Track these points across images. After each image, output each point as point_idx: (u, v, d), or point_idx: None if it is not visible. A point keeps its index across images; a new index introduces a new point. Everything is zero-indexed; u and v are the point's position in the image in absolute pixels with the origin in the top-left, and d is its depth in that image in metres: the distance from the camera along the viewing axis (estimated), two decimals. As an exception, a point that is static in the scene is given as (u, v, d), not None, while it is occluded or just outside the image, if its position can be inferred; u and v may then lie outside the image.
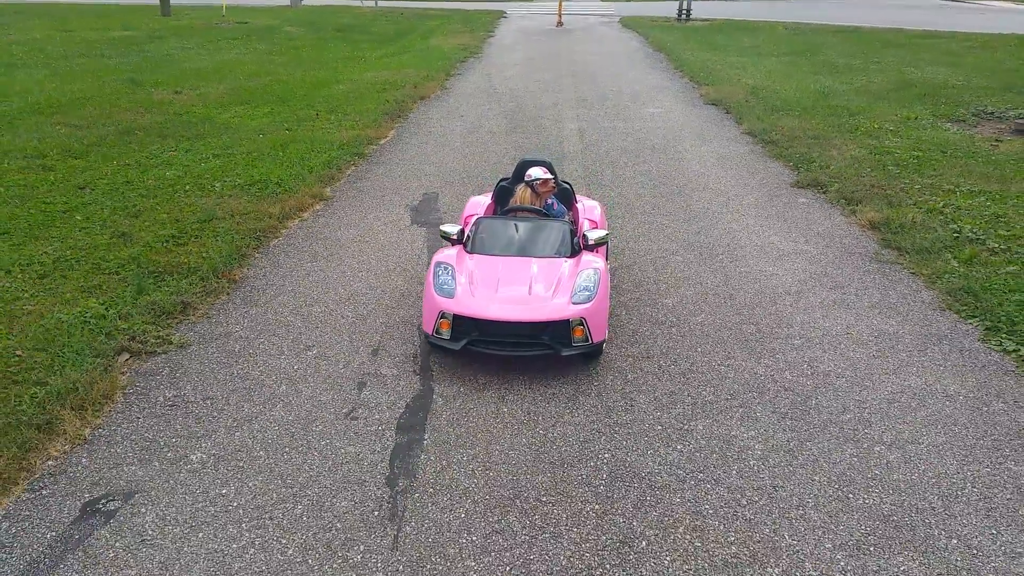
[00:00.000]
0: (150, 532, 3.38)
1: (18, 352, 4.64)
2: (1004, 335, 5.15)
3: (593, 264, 4.82)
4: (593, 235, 5.05)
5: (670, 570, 3.21)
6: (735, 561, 3.25)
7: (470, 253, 5.02)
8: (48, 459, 3.82)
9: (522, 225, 5.19)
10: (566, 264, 4.86)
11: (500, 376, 4.66)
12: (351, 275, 6.02)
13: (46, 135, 9.78)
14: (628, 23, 26.31)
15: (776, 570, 3.21)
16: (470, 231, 5.23)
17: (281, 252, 6.54)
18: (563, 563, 3.25)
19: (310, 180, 8.25)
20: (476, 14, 28.63)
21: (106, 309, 5.24)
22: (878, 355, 4.93)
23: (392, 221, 7.28)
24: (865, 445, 4.03)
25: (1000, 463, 3.88)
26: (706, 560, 3.26)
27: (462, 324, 4.60)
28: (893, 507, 3.57)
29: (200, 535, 3.36)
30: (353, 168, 9.06)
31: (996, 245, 6.57)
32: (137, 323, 5.08)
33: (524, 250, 5.02)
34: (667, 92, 14.10)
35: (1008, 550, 3.33)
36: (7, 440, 3.83)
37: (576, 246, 5.03)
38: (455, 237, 5.16)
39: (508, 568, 3.22)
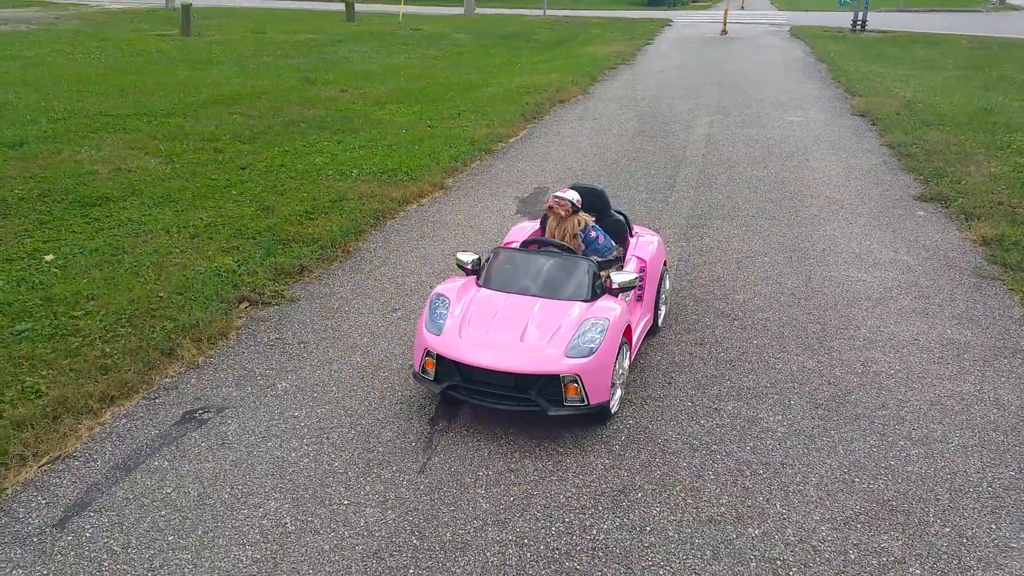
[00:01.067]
0: (230, 438, 4.11)
1: (160, 294, 5.60)
2: (1089, 354, 4.95)
3: (606, 312, 4.19)
4: (619, 278, 4.40)
5: (656, 518, 3.53)
6: (719, 519, 3.52)
7: (479, 286, 4.52)
8: (165, 377, 4.67)
9: (541, 259, 4.58)
10: (576, 309, 4.24)
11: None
12: (448, 254, 6.64)
13: (223, 122, 11.18)
14: (797, 32, 25.64)
15: (756, 531, 3.45)
16: (486, 261, 4.70)
17: (394, 231, 7.28)
18: (561, 501, 3.65)
19: (435, 171, 8.99)
20: (640, 22, 28.89)
21: (238, 266, 6.15)
22: (939, 361, 4.92)
23: (499, 210, 7.86)
24: (890, 439, 4.12)
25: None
26: (692, 515, 3.55)
27: (445, 366, 4.15)
28: (896, 494, 3.69)
29: (268, 444, 4.05)
30: (478, 162, 9.74)
31: (1119, 266, 6.20)
32: (260, 279, 5.94)
33: (536, 289, 4.43)
34: (815, 101, 13.84)
35: (1001, 543, 3.38)
36: (136, 359, 4.72)
37: (598, 289, 4.40)
38: (469, 267, 4.65)
39: (512, 499, 3.67)
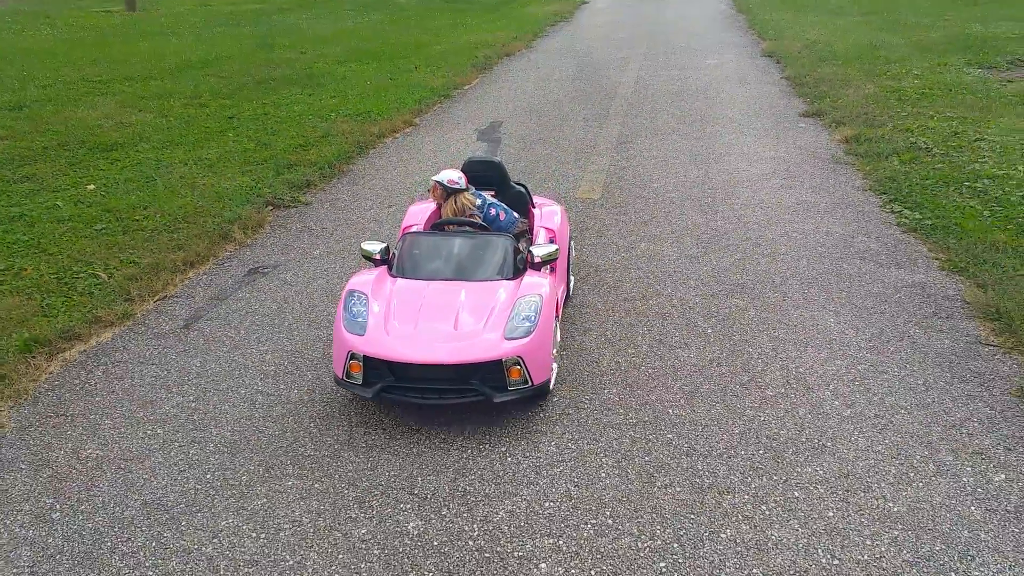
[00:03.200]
0: (288, 280, 5.92)
1: (200, 203, 7.33)
2: (898, 203, 7.05)
3: (536, 289, 4.22)
4: (540, 251, 4.43)
5: (593, 303, 5.47)
6: (632, 298, 5.47)
7: (394, 276, 4.42)
8: (225, 251, 6.45)
9: (456, 241, 4.55)
10: (503, 289, 4.24)
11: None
12: (424, 169, 8.46)
13: (199, 83, 12.73)
14: (722, -12, 27.71)
15: (654, 301, 5.41)
16: (395, 249, 4.60)
17: (377, 156, 9.08)
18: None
19: (403, 112, 10.78)
20: (575, -17, 30.66)
21: (255, 183, 7.89)
22: (792, 212, 6.97)
23: (462, 138, 9.70)
24: (748, 255, 6.13)
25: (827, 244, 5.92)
26: (614, 296, 5.50)
27: (374, 366, 4.00)
28: (747, 281, 5.69)
29: (317, 283, 5.87)
30: (439, 105, 11.55)
31: (939, 151, 8.33)
32: (277, 189, 7.71)
33: (455, 272, 4.39)
34: (731, 47, 15.92)
35: (809, 300, 5.41)
36: (201, 240, 6.47)
37: (520, 265, 4.42)
38: (378, 257, 4.51)
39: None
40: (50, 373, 4.67)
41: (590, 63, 14.49)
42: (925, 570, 3.14)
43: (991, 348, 4.77)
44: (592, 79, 13.01)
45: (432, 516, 3.49)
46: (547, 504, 3.56)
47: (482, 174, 5.32)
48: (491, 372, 3.97)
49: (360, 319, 4.11)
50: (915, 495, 3.56)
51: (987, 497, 3.54)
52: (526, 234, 5.10)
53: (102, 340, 5.04)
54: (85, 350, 4.92)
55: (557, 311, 4.50)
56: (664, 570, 3.18)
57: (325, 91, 12.21)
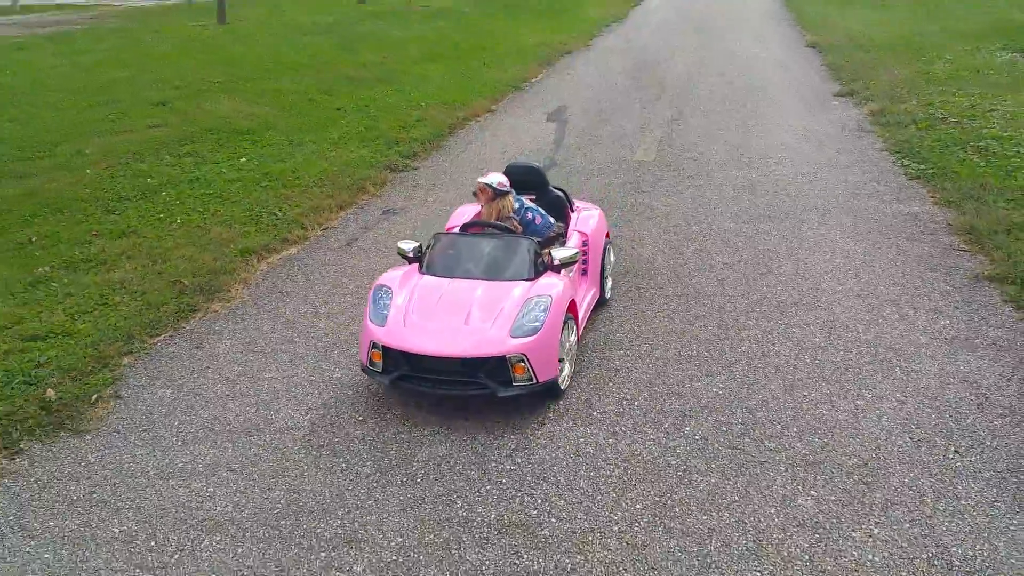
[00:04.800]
0: (412, 217, 7.77)
1: (334, 169, 9.28)
2: (908, 159, 8.62)
3: (548, 289, 4.47)
4: (559, 254, 4.72)
5: (647, 227, 7.20)
6: (681, 227, 7.20)
7: (422, 274, 4.77)
8: (362, 199, 8.35)
9: (481, 242, 4.87)
10: (518, 289, 4.51)
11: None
12: (505, 141, 10.29)
13: (301, 82, 14.80)
14: (774, -13, 29.15)
15: (697, 227, 7.12)
16: (426, 248, 4.95)
17: (464, 134, 10.95)
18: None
19: (482, 101, 12.65)
20: (631, -13, 32.38)
21: (373, 154, 9.81)
22: (817, 167, 8.59)
23: (534, 120, 11.53)
24: (775, 195, 7.80)
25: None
26: (663, 224, 7.23)
27: (392, 356, 4.38)
28: (772, 209, 7.37)
29: (428, 220, 7.72)
30: (511, 95, 13.40)
31: (953, 120, 9.85)
32: (391, 158, 9.62)
33: (476, 271, 4.70)
34: (777, 39, 17.49)
35: (824, 218, 7.07)
36: (344, 192, 8.38)
37: (541, 267, 4.70)
38: (411, 255, 4.89)
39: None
40: (261, 270, 6.61)
41: (644, 56, 16.21)
42: (880, 367, 4.80)
43: (960, 251, 6.36)
44: (646, 70, 14.74)
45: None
46: (619, 335, 5.31)
47: (522, 179, 5.50)
48: (496, 367, 4.26)
49: (384, 312, 4.49)
50: (880, 330, 5.22)
51: (932, 331, 5.18)
52: (560, 237, 5.26)
53: (291, 252, 6.98)
54: (281, 257, 6.87)
55: (576, 312, 4.77)
56: (696, 367, 4.90)
57: (409, 86, 14.14)
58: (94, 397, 4.83)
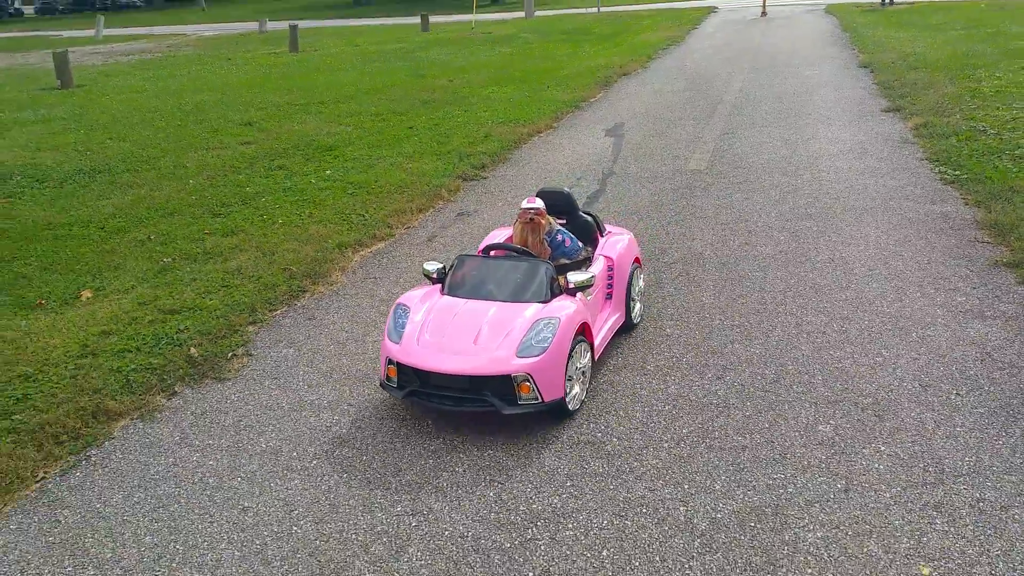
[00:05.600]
0: (484, 218, 8.78)
1: (412, 178, 10.37)
2: (945, 166, 9.35)
3: (558, 312, 4.65)
4: (575, 278, 4.87)
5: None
6: (726, 222, 8.06)
7: (443, 294, 5.01)
8: (438, 203, 9.41)
9: (499, 264, 5.10)
10: (530, 310, 4.70)
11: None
12: (566, 154, 11.29)
13: (376, 104, 16.08)
14: (831, 10, 29.82)
15: (746, 224, 7.98)
16: (449, 269, 5.17)
17: (529, 149, 11.99)
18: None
19: (544, 119, 13.70)
20: (687, 11, 33.39)
21: (446, 165, 10.90)
22: (858, 174, 9.36)
23: (592, 135, 12.52)
24: (817, 197, 8.61)
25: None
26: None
27: (406, 372, 4.64)
28: (814, 208, 8.19)
29: (499, 220, 8.73)
30: (571, 113, 14.43)
31: (993, 132, 10.53)
32: (463, 169, 10.69)
33: (491, 293, 4.91)
34: (831, 60, 18.21)
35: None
36: (422, 197, 9.46)
37: (557, 290, 4.90)
38: (435, 276, 5.12)
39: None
40: (356, 260, 7.68)
41: (699, 77, 17.12)
42: (899, 333, 5.59)
43: (983, 243, 7.11)
44: (700, 90, 15.64)
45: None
46: (670, 309, 6.20)
47: (552, 203, 5.72)
48: (502, 386, 4.46)
49: (400, 329, 4.76)
50: (902, 305, 6.02)
51: (949, 306, 5.96)
52: (587, 261, 5.48)
53: (379, 247, 8.05)
54: (371, 251, 7.94)
55: (591, 335, 4.96)
56: (737, 333, 5.76)
57: (477, 107, 15.29)
58: (230, 355, 5.90)
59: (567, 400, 4.64)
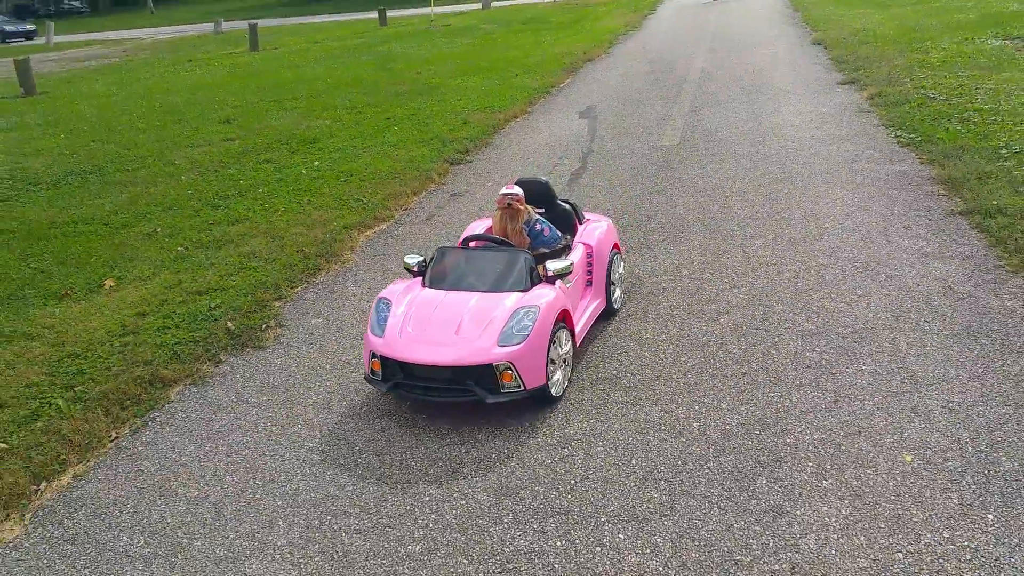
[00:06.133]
0: (477, 198, 9.35)
1: (399, 165, 10.92)
2: (900, 130, 10.14)
3: (537, 300, 4.75)
4: (554, 266, 4.98)
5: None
6: (703, 190, 8.75)
7: (424, 286, 5.11)
8: (430, 186, 9.97)
9: (479, 255, 5.22)
10: (510, 299, 4.80)
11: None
12: (545, 136, 11.90)
13: (349, 97, 16.53)
14: (781, -10, 30.79)
15: (723, 191, 8.68)
16: (428, 261, 5.27)
17: (507, 133, 12.58)
18: (637, 194, 8.93)
19: (518, 104, 14.30)
20: (642, -2, 34.20)
21: (431, 152, 11.44)
22: (821, 142, 10.12)
23: (567, 117, 13.14)
24: (785, 163, 9.34)
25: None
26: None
27: (389, 365, 4.74)
28: (784, 173, 8.91)
29: (490, 199, 9.31)
30: (543, 99, 15.05)
31: (942, 98, 11.36)
32: (447, 154, 11.25)
33: (472, 283, 5.01)
34: (786, 38, 19.07)
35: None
36: (414, 181, 10.01)
37: (536, 278, 5.00)
38: (416, 269, 5.23)
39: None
40: (362, 240, 8.23)
41: (661, 60, 17.85)
42: (870, 274, 6.30)
43: (939, 196, 7.88)
44: (664, 71, 16.36)
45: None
46: (663, 266, 6.86)
47: (531, 192, 5.82)
48: (484, 375, 4.57)
49: (383, 323, 4.87)
50: (870, 251, 6.74)
51: (913, 250, 6.70)
52: (568, 249, 5.61)
53: (382, 227, 8.60)
54: (375, 231, 8.49)
55: (571, 322, 5.07)
56: (725, 282, 6.44)
57: (449, 97, 15.83)
58: (264, 326, 6.43)
59: (549, 386, 4.76)
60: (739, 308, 5.98)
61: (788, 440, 4.42)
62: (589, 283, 5.69)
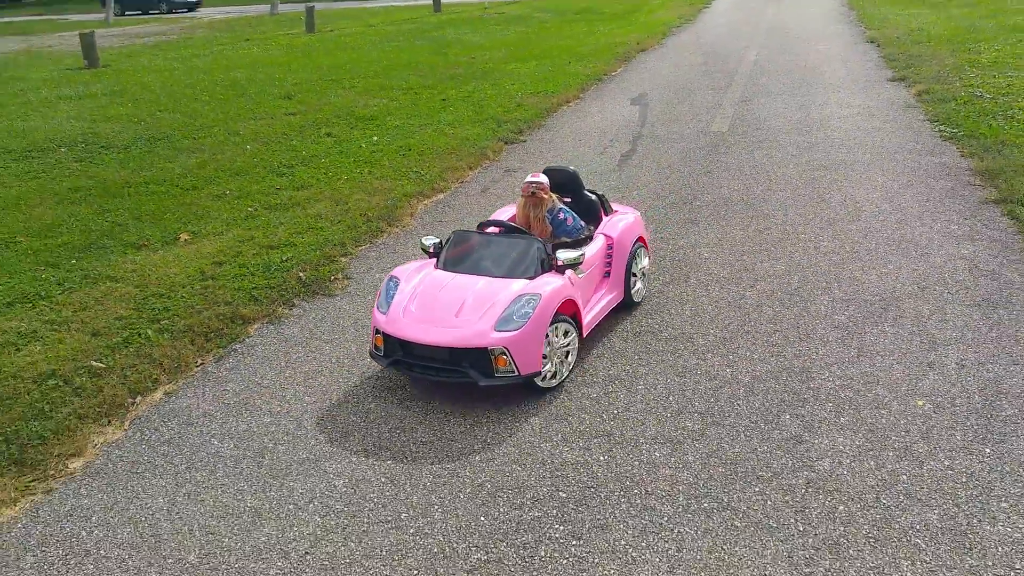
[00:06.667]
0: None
1: (455, 143, 11.55)
2: (944, 125, 10.53)
3: (539, 288, 4.84)
4: (564, 255, 5.04)
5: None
6: (749, 174, 9.25)
7: (436, 268, 5.24)
8: (485, 163, 10.59)
9: (492, 240, 5.32)
10: (515, 285, 4.91)
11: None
12: (597, 120, 12.46)
13: (406, 79, 17.23)
14: (839, -11, 30.90)
15: (768, 175, 9.17)
16: (444, 243, 5.40)
17: (560, 116, 13.16)
18: (683, 175, 9.46)
19: (571, 90, 14.87)
20: (697, -9, 34.46)
21: (486, 131, 12.06)
22: (866, 133, 10.54)
23: (618, 103, 13.69)
24: (830, 152, 9.79)
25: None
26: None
27: (391, 342, 4.89)
28: (828, 161, 9.37)
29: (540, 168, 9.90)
30: (595, 86, 15.60)
31: (989, 96, 11.71)
32: (501, 134, 11.86)
33: (481, 268, 5.12)
34: (839, 36, 19.37)
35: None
36: (469, 157, 10.64)
37: (546, 267, 5.07)
38: (431, 250, 5.35)
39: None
40: (421, 208, 8.88)
41: (714, 52, 18.28)
42: (902, 252, 6.77)
43: (975, 186, 8.30)
44: (716, 63, 16.80)
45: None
46: (706, 240, 7.39)
47: (558, 182, 5.92)
48: (479, 358, 4.70)
49: (389, 301, 5.04)
50: (904, 232, 7.21)
51: (945, 232, 7.15)
52: (590, 240, 5.67)
53: (439, 198, 9.25)
54: (432, 201, 9.13)
55: (578, 313, 5.15)
56: (764, 255, 6.95)
57: (502, 81, 16.43)
58: (332, 278, 7.10)
59: (542, 375, 4.88)
60: (776, 277, 6.50)
61: (812, 385, 4.96)
62: (607, 274, 5.75)
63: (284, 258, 7.44)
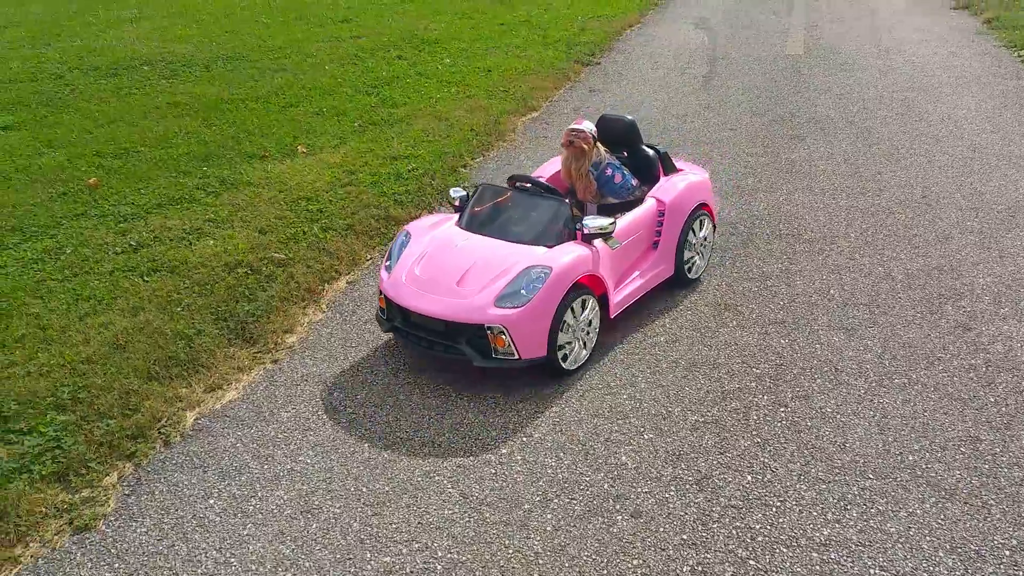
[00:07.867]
0: (613, 92, 10.13)
1: (532, 65, 11.65)
2: (1021, 50, 10.66)
3: (551, 261, 4.22)
4: (593, 223, 4.37)
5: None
6: (834, 94, 9.43)
7: (458, 224, 4.69)
8: (567, 83, 10.73)
9: (517, 199, 4.69)
10: (529, 254, 4.30)
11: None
12: (665, 43, 12.53)
13: (455, 5, 17.16)
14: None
15: (852, 96, 9.35)
16: (471, 195, 4.81)
17: (625, 40, 13.22)
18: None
19: (630, 14, 14.88)
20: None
21: (559, 54, 12.15)
22: (943, 58, 10.68)
23: (682, 27, 13.73)
24: (913, 76, 9.95)
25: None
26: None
27: (392, 306, 4.41)
28: (912, 86, 9.54)
29: (626, 94, 10.06)
30: (652, 12, 15.60)
31: (1060, 23, 11.82)
32: (575, 56, 11.95)
33: (499, 230, 4.53)
34: None
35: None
36: (553, 78, 10.77)
37: (573, 233, 4.44)
38: (457, 203, 4.81)
39: (753, 96, 9.64)
40: (520, 124, 9.10)
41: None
42: (1014, 166, 7.03)
43: (1069, 107, 8.51)
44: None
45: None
46: (797, 155, 7.63)
47: (611, 133, 5.24)
48: (476, 335, 4.14)
49: (395, 259, 4.53)
50: (1009, 148, 7.45)
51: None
52: (640, 202, 4.98)
53: (534, 115, 9.46)
54: (528, 118, 9.37)
55: (605, 289, 4.50)
56: (881, 161, 7.20)
57: (557, 3, 16.40)
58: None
59: (563, 357, 4.32)
60: (899, 187, 6.77)
61: (964, 282, 5.27)
62: (655, 244, 4.99)
63: (410, 167, 7.67)
